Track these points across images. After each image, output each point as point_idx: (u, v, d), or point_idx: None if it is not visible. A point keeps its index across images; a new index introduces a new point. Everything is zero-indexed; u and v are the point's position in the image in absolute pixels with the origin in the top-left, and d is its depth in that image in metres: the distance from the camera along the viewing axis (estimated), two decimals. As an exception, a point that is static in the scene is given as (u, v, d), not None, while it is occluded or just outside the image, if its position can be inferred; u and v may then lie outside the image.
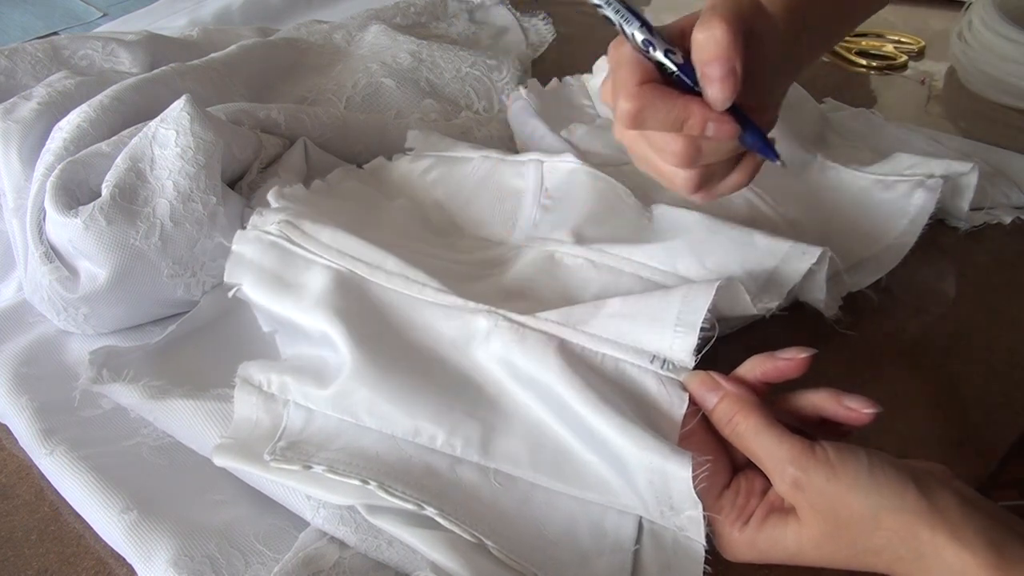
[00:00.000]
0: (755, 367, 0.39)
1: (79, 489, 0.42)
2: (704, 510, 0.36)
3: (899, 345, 0.52)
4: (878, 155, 0.62)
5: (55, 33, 0.90)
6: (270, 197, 0.52)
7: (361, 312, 0.44)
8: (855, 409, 0.36)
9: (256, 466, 0.40)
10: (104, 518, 0.41)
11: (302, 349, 0.46)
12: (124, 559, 0.40)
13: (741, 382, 0.38)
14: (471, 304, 0.43)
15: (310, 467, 0.39)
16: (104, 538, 0.41)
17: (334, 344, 0.43)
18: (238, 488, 0.42)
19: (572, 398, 0.39)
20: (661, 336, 0.40)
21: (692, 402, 0.39)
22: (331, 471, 0.39)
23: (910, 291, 0.56)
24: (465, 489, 0.39)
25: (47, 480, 0.44)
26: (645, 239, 0.51)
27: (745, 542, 0.36)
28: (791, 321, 0.50)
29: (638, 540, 0.38)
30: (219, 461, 0.41)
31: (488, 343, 0.42)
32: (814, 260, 0.47)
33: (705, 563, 0.37)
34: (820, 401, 0.37)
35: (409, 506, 0.37)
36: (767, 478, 0.36)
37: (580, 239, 0.51)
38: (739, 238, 0.49)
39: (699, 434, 0.38)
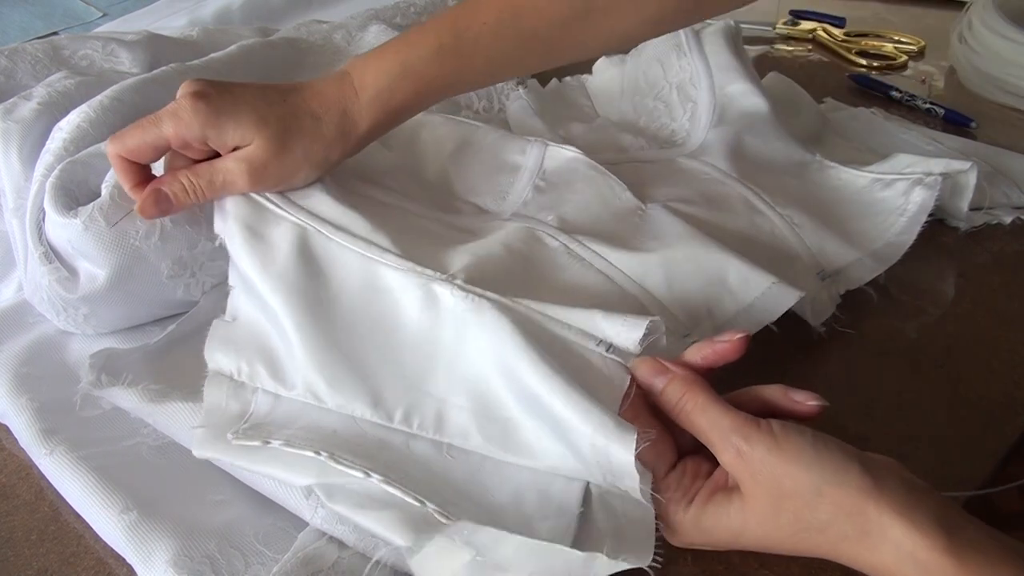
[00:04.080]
0: (696, 353, 0.39)
1: (79, 489, 0.42)
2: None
3: (899, 345, 0.52)
4: (877, 155, 0.63)
5: (55, 33, 0.90)
6: None
7: (318, 287, 0.45)
8: (800, 402, 0.37)
9: (221, 448, 0.41)
10: (104, 518, 0.41)
11: (259, 315, 0.46)
12: (124, 559, 0.40)
13: (687, 366, 0.39)
14: (429, 271, 0.44)
15: (269, 442, 0.40)
16: (104, 538, 0.41)
17: (284, 330, 0.43)
18: (238, 488, 0.42)
19: (524, 369, 0.39)
20: (611, 323, 0.41)
21: (637, 388, 0.39)
22: (287, 444, 0.40)
23: (910, 291, 0.56)
24: (417, 461, 0.41)
25: (47, 480, 0.44)
26: (631, 236, 0.52)
27: (690, 522, 0.36)
28: (788, 320, 0.50)
29: (585, 504, 0.39)
30: (198, 452, 0.41)
31: (444, 311, 0.43)
32: (774, 319, 0.48)
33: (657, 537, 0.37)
34: (769, 394, 0.38)
35: (357, 473, 0.38)
36: (713, 462, 0.37)
37: (565, 226, 0.52)
38: (714, 273, 0.49)
39: (643, 419, 0.39)
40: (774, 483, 0.33)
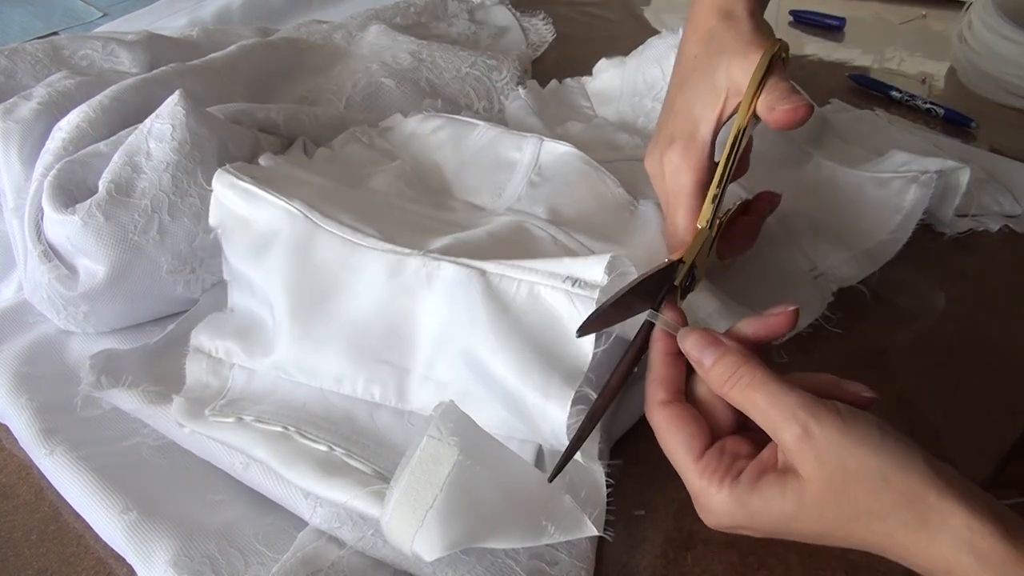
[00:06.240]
0: (747, 326, 0.38)
1: (79, 489, 0.42)
2: (683, 470, 0.35)
3: (899, 345, 0.52)
4: (876, 156, 0.62)
5: (55, 33, 0.90)
6: (261, 159, 0.54)
7: (305, 273, 0.46)
8: (854, 393, 0.36)
9: (200, 424, 0.43)
10: (104, 518, 0.41)
11: (248, 303, 0.49)
12: (124, 559, 0.40)
13: (738, 339, 0.37)
14: (405, 250, 0.44)
15: (242, 419, 0.43)
16: (104, 538, 0.41)
17: (274, 311, 0.46)
18: (237, 488, 0.42)
19: (479, 342, 0.41)
20: (576, 261, 0.42)
21: (668, 365, 0.38)
22: (258, 420, 0.43)
23: (910, 291, 0.56)
24: (379, 433, 0.43)
25: (47, 480, 0.44)
26: (620, 231, 0.52)
27: (736, 501, 0.34)
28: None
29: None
30: (179, 422, 0.43)
31: (407, 276, 0.44)
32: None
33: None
34: (820, 382, 0.36)
35: (321, 447, 0.41)
36: (754, 444, 0.35)
37: (555, 218, 0.53)
38: None
39: (677, 397, 0.37)
40: (840, 465, 0.32)
